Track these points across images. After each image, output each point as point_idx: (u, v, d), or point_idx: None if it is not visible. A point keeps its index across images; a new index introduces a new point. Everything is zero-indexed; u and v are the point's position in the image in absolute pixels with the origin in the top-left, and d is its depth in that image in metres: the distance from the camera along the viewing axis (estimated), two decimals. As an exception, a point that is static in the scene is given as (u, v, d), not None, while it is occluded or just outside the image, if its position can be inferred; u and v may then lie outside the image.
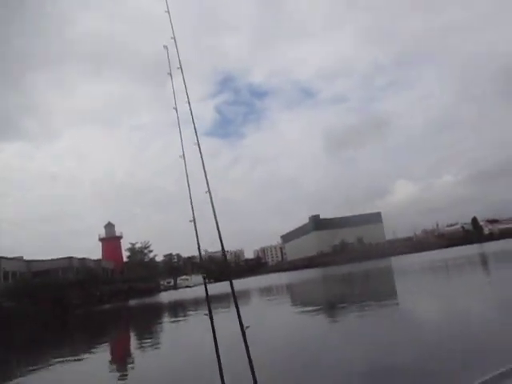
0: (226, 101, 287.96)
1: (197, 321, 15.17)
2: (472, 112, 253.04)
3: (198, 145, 3.32)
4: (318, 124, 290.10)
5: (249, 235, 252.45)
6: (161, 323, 19.81)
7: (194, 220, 3.18)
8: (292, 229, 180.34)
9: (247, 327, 2.87)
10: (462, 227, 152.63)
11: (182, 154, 3.42)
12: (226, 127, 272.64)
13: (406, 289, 18.45)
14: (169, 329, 16.80)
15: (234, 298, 3.04)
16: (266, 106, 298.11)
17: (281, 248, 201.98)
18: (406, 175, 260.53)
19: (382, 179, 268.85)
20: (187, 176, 3.32)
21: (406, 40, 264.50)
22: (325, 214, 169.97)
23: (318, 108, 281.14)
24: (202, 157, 3.27)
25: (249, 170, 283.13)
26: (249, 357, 2.78)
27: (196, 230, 3.19)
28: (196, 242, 3.20)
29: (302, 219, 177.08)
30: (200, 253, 3.41)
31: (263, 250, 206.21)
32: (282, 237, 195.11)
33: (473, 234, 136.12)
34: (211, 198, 3.08)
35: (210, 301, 3.15)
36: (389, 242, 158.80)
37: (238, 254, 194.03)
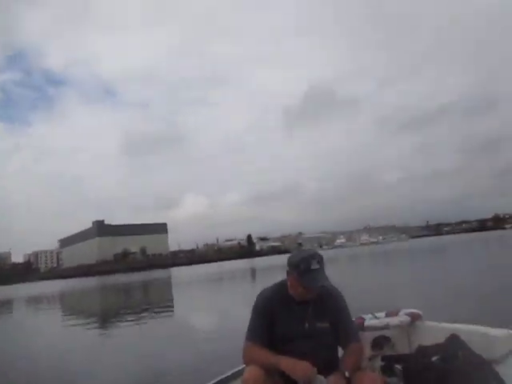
0: (13, 80, 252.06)
1: None
2: (258, 139, 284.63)
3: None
4: (117, 126, 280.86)
5: (20, 236, 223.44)
6: None
7: None
8: (73, 233, 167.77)
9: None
10: (239, 243, 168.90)
11: None
12: (8, 109, 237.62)
13: (180, 299, 19.90)
14: None
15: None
16: (61, 96, 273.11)
17: (57, 253, 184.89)
18: (195, 190, 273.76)
19: (173, 191, 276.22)
20: None
21: (212, 61, 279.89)
22: (110, 220, 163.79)
23: (118, 109, 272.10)
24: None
25: (30, 163, 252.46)
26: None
27: None
28: None
29: (84, 223, 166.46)
30: None
31: (36, 254, 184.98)
32: (60, 241, 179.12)
33: (247, 249, 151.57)
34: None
35: None
36: (172, 253, 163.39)
37: (3, 257, 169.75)
